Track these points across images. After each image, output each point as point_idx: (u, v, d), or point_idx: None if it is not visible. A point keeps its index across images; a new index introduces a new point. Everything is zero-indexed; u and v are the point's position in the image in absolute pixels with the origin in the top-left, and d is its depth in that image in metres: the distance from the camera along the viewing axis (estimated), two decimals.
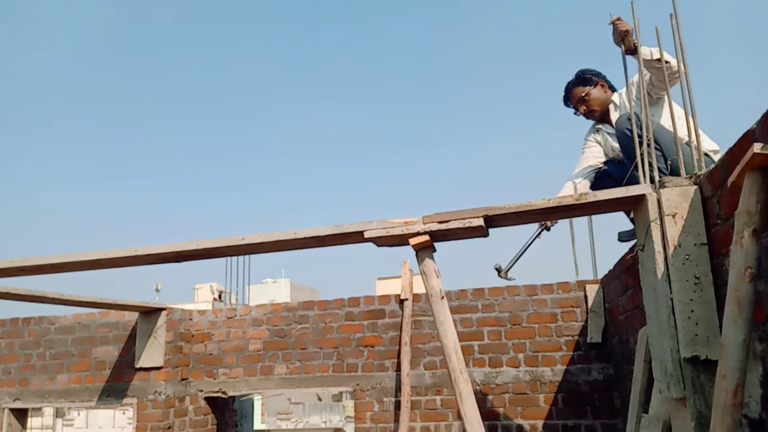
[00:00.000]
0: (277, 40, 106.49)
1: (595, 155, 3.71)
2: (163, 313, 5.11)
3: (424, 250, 2.62)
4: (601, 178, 3.68)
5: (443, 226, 2.50)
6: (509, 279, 4.01)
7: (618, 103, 3.60)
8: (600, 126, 3.73)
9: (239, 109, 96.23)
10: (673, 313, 2.08)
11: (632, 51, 2.98)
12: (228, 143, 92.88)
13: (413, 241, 2.54)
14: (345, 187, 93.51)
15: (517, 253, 3.90)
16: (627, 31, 2.96)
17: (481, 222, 2.46)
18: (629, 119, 3.08)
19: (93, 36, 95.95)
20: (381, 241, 2.62)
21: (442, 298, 2.61)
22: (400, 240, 2.61)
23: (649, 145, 2.52)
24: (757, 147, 1.55)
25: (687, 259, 2.08)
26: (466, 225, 2.47)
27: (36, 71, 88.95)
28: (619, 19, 3.03)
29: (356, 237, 2.66)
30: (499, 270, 3.96)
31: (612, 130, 3.58)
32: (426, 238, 2.52)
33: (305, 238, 2.66)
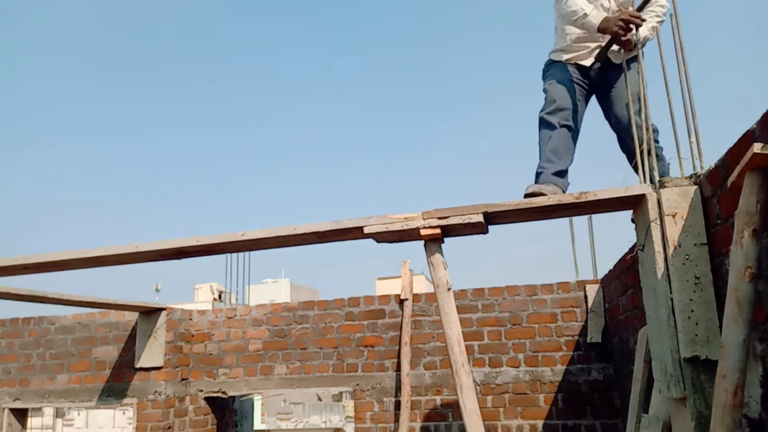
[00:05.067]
0: (276, 41, 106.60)
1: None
2: (163, 313, 5.11)
3: (433, 242, 2.62)
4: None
5: (443, 222, 2.50)
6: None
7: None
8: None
9: (238, 109, 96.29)
10: (673, 313, 2.08)
11: (624, 45, 2.95)
12: (228, 144, 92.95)
13: (424, 232, 2.53)
14: (344, 188, 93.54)
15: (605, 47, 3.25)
16: (635, 26, 2.92)
17: (480, 218, 2.46)
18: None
19: (93, 35, 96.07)
20: (380, 237, 2.62)
21: (449, 289, 2.61)
22: (399, 236, 2.61)
23: (649, 146, 2.52)
24: (757, 147, 1.55)
25: (687, 259, 2.08)
26: (466, 221, 2.47)
27: (37, 69, 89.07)
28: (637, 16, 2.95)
29: (356, 233, 2.66)
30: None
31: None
32: (437, 230, 2.52)
33: (305, 233, 2.66)
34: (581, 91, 3.31)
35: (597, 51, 3.27)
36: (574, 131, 3.22)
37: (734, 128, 1.89)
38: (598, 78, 3.34)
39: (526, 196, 2.79)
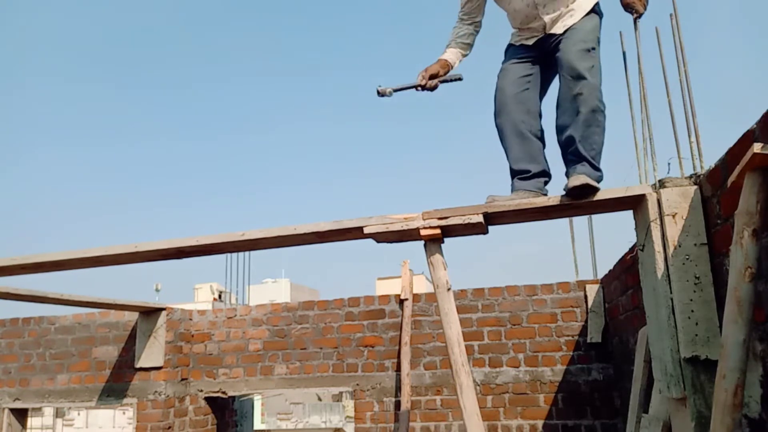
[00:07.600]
0: (276, 41, 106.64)
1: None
2: (163, 313, 5.11)
3: (433, 243, 2.62)
4: None
5: (443, 222, 2.50)
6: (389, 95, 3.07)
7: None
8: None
9: (237, 110, 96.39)
10: (673, 313, 2.08)
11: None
12: (228, 145, 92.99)
13: (424, 232, 2.54)
14: (344, 188, 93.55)
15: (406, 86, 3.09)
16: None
17: (480, 219, 2.46)
18: None
19: (94, 37, 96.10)
20: (380, 237, 2.62)
21: (449, 289, 2.61)
22: (399, 236, 2.61)
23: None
24: (757, 147, 1.55)
25: (687, 259, 2.08)
26: (466, 222, 2.47)
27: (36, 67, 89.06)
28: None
29: (356, 233, 2.66)
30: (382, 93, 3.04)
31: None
32: (437, 231, 2.52)
33: (305, 233, 2.66)
34: (527, 66, 2.95)
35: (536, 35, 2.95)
36: (532, 122, 2.86)
37: (734, 128, 1.89)
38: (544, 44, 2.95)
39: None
